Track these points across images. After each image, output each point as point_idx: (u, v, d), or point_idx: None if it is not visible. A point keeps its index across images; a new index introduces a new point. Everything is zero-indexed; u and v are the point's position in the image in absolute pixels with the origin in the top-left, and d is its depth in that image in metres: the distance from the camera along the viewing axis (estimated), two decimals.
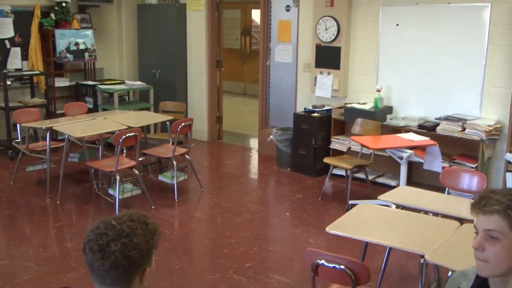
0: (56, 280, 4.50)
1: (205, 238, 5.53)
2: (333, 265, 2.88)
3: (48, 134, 6.42)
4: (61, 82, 8.81)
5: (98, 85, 8.53)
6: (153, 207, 6.15)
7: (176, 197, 6.45)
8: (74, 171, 7.37)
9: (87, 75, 9.18)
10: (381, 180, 7.00)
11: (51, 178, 6.52)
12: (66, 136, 6.37)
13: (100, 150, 6.99)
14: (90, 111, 7.85)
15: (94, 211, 6.13)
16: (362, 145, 6.18)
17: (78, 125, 6.60)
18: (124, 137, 5.85)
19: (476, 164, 6.09)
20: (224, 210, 6.17)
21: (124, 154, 6.74)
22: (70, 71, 9.11)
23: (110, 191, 6.37)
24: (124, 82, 8.90)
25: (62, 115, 7.62)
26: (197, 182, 6.86)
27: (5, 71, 8.15)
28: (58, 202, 6.26)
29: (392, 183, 6.79)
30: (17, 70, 8.35)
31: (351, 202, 6.13)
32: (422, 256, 3.21)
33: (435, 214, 4.05)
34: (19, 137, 6.85)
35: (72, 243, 5.24)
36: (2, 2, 8.15)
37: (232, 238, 5.40)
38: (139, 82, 8.98)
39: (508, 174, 5.86)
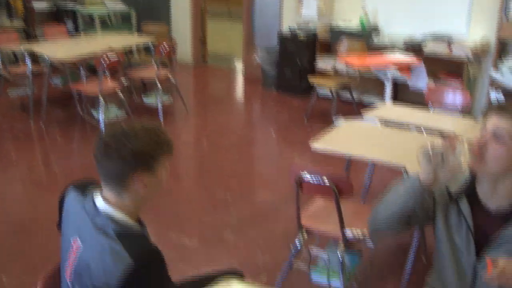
0: (45, 201, 4.53)
1: (191, 159, 5.56)
2: (317, 180, 2.90)
3: (27, 56, 6.30)
4: (38, 4, 8.55)
5: (78, 8, 8.31)
6: None
7: (161, 120, 6.44)
8: (57, 95, 7.29)
9: None
10: (366, 99, 7.01)
11: (35, 102, 6.46)
12: (48, 59, 6.26)
13: (82, 73, 6.90)
14: (71, 35, 7.68)
15: (79, 135, 6.12)
16: (348, 65, 6.14)
17: (59, 48, 6.48)
18: (107, 59, 5.76)
19: (461, 82, 6.09)
20: (210, 132, 6.18)
21: (107, 77, 6.66)
22: None
23: (95, 114, 6.33)
24: (104, 3, 8.67)
25: (42, 39, 7.46)
26: (182, 105, 6.83)
27: None
28: (42, 126, 6.23)
29: (377, 102, 6.78)
30: None
31: (336, 121, 6.13)
32: (404, 169, 3.25)
33: (419, 130, 4.08)
34: (0, 61, 6.72)
35: (58, 166, 5.25)
36: None
37: (218, 158, 5.44)
38: (120, 3, 8.75)
39: (492, 91, 5.88)
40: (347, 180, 2.92)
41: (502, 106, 1.87)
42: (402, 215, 1.96)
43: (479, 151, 1.85)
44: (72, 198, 1.95)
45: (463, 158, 1.83)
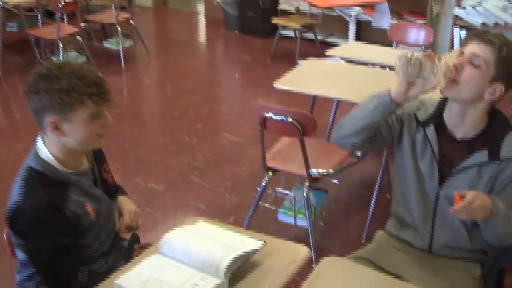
0: (7, 149, 4.45)
1: (155, 103, 5.50)
2: (280, 117, 2.89)
3: None
4: None
5: None
6: (100, 74, 6.01)
7: (123, 64, 6.32)
8: (14, 41, 7.06)
9: None
10: (330, 40, 6.97)
11: None
12: (0, 3, 6.03)
13: (39, 17, 6.67)
14: None
15: None
16: (311, 4, 6.07)
17: None
18: (63, 1, 5.57)
19: (424, 20, 6.09)
20: (172, 75, 6.10)
21: (65, 21, 6.47)
22: None
23: (54, 60, 6.17)
24: None
25: None
26: (144, 48, 6.71)
27: None
28: (0, 73, 6.05)
29: (341, 42, 6.76)
30: None
31: (300, 62, 6.12)
32: None
33: (383, 67, 4.09)
34: None
35: (20, 113, 5.13)
36: None
37: (181, 101, 5.38)
38: None
39: (455, 28, 5.90)
40: (310, 117, 2.92)
41: (483, 32, 1.88)
42: (368, 129, 1.97)
43: (454, 73, 1.86)
44: None
45: (439, 76, 1.81)
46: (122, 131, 4.73)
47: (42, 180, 1.75)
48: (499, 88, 1.86)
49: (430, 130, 1.99)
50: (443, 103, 2.01)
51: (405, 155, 2.07)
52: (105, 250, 2.01)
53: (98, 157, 2.01)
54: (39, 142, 1.82)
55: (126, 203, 2.17)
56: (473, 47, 1.86)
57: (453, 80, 1.86)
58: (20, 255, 1.86)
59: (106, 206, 1.97)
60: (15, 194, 1.74)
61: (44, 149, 1.80)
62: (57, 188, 1.77)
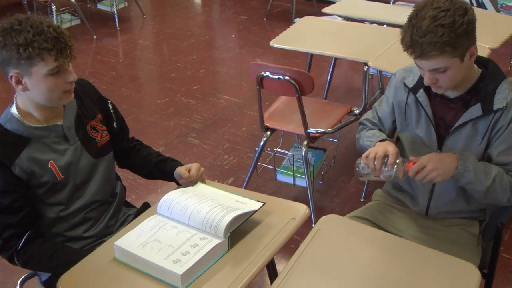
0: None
1: (151, 65, 5.45)
2: (277, 76, 2.87)
3: None
4: None
5: None
6: (95, 37, 5.96)
7: (117, 26, 6.25)
8: (7, 4, 6.95)
9: None
10: None
11: None
12: None
13: None
14: None
15: None
16: None
17: None
18: None
19: None
20: (168, 36, 6.04)
21: None
22: None
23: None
24: None
25: None
26: (138, 9, 6.62)
27: None
28: None
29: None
30: None
31: (296, 20, 6.05)
32: (366, 64, 3.24)
33: (380, 24, 4.04)
34: None
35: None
36: None
37: (178, 62, 5.34)
38: None
39: None
40: (307, 75, 2.89)
41: (416, 48, 1.72)
42: None
43: (435, 87, 1.83)
44: None
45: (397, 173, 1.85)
46: (119, 93, 4.70)
47: None
48: (472, 50, 1.76)
49: (421, 94, 1.96)
50: None
51: (400, 125, 2.08)
52: (92, 215, 1.99)
53: (88, 112, 1.97)
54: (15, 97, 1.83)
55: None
56: (426, 64, 1.76)
57: (438, 87, 1.83)
58: None
59: (83, 164, 1.93)
60: None
61: (14, 104, 1.81)
62: (10, 144, 1.77)
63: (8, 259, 1.83)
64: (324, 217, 1.87)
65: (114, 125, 2.08)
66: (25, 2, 6.20)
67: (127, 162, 2.20)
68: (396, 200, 2.19)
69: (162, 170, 2.10)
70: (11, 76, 1.71)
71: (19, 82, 1.71)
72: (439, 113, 1.95)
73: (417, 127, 2.01)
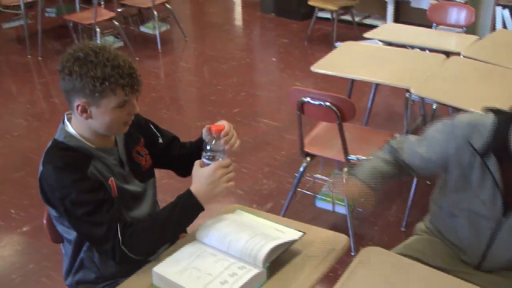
0: (46, 134, 4.51)
1: (192, 87, 5.50)
2: (318, 102, 2.86)
3: None
4: None
5: None
6: (137, 58, 6.05)
7: (159, 48, 6.33)
8: (53, 26, 7.15)
9: None
10: (368, 21, 6.85)
11: (30, 34, 6.34)
12: None
13: (76, 2, 6.73)
14: None
15: None
16: None
17: None
18: None
19: None
20: (209, 58, 6.09)
21: (102, 6, 6.51)
22: None
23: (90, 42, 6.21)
24: None
25: None
26: (180, 32, 6.71)
27: None
28: (40, 58, 6.14)
29: (379, 24, 6.63)
30: None
31: (337, 44, 6.04)
32: (408, 90, 3.21)
33: (422, 49, 4.00)
34: None
35: (59, 98, 5.20)
36: None
37: (218, 85, 5.37)
38: None
39: (497, 7, 5.73)
40: (349, 102, 2.88)
41: None
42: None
43: None
44: None
45: None
46: (159, 115, 4.75)
47: (63, 149, 1.78)
48: None
49: (491, 160, 1.76)
50: (504, 125, 1.74)
51: (454, 183, 1.89)
52: None
53: (132, 139, 1.98)
54: (66, 119, 1.84)
55: None
56: None
57: None
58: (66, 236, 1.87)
59: (133, 190, 1.93)
60: (40, 167, 1.79)
61: (70, 125, 1.82)
62: (79, 157, 1.78)
63: (112, 253, 1.73)
64: (366, 248, 1.83)
65: (160, 141, 2.10)
66: (71, 25, 6.35)
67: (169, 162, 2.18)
68: (443, 238, 2.06)
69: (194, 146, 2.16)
70: (78, 105, 1.73)
71: (84, 111, 1.73)
72: (509, 179, 1.78)
73: (479, 191, 1.82)
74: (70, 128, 1.81)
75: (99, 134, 1.82)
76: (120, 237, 1.72)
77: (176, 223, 1.79)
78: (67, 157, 1.76)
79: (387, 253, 1.89)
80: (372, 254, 1.82)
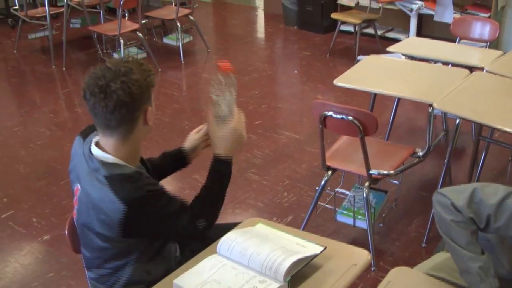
0: (69, 144, 4.53)
1: None
2: (340, 115, 2.85)
3: None
4: None
5: None
6: (159, 69, 6.10)
7: (182, 59, 6.38)
8: (77, 37, 7.24)
9: None
10: (390, 35, 6.83)
11: (54, 45, 6.42)
12: (66, 0, 6.18)
13: (101, 14, 6.82)
14: None
15: None
16: None
17: None
18: None
19: (489, 14, 5.89)
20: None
21: (126, 18, 6.59)
22: None
23: (115, 56, 6.29)
24: None
25: None
26: (203, 43, 6.75)
27: None
28: (64, 68, 6.22)
29: (402, 37, 6.62)
30: None
31: (360, 57, 6.03)
32: (430, 105, 3.18)
33: (445, 63, 3.98)
34: (17, 3, 6.66)
35: (82, 108, 5.26)
36: None
37: (240, 97, 5.34)
38: None
39: None
40: (372, 116, 2.86)
41: None
42: None
43: None
44: (77, 145, 1.95)
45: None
46: (181, 126, 4.77)
47: (128, 178, 1.78)
48: None
49: None
50: None
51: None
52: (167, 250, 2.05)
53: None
54: (95, 149, 1.83)
55: None
56: None
57: None
58: (111, 247, 1.87)
59: None
60: (112, 210, 1.75)
61: (106, 154, 1.82)
62: (143, 177, 1.82)
63: (199, 232, 1.89)
64: (395, 269, 1.80)
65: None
66: (95, 36, 6.43)
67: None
68: None
69: (171, 154, 2.29)
70: (146, 111, 1.81)
71: (148, 117, 1.83)
72: None
73: None
74: (108, 157, 1.82)
75: (136, 149, 1.88)
76: (196, 215, 1.88)
77: (225, 187, 2.02)
78: (140, 183, 1.78)
79: (417, 274, 1.85)
80: (400, 275, 1.79)
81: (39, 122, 5.04)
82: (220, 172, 2.03)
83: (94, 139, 1.88)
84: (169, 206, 1.83)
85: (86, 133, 1.95)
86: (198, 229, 1.88)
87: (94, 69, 1.78)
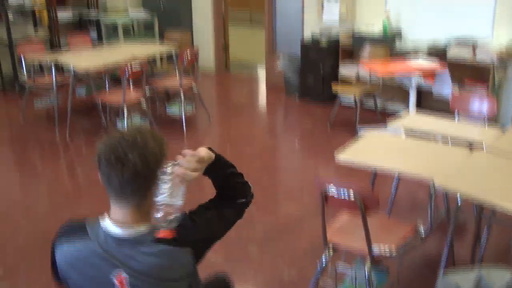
0: (70, 213, 4.56)
1: None
2: (342, 193, 2.87)
3: (53, 67, 6.37)
4: (63, 13, 8.62)
5: (102, 18, 8.38)
6: None
7: (184, 129, 6.45)
8: (82, 105, 7.36)
9: (89, 4, 8.99)
10: (390, 107, 6.94)
11: (60, 112, 6.52)
12: (72, 70, 6.31)
13: (106, 83, 6.95)
14: (94, 44, 7.71)
15: None
16: (371, 71, 6.09)
17: (83, 58, 6.53)
18: (130, 69, 5.79)
19: (486, 88, 6.00)
20: (233, 141, 6.18)
21: (131, 87, 6.70)
22: (72, 3, 8.91)
23: (119, 124, 6.37)
24: (127, 10, 8.72)
25: (66, 49, 7.54)
26: (205, 114, 6.84)
27: (6, 4, 8.01)
28: (68, 137, 6.28)
29: (402, 110, 6.74)
30: (18, 4, 8.20)
31: (360, 129, 6.10)
32: (432, 183, 3.21)
33: (445, 140, 4.02)
34: (25, 71, 6.80)
35: (83, 177, 5.29)
36: None
37: (241, 168, 5.38)
38: (142, 11, 8.78)
39: None
40: (374, 195, 2.88)
41: None
42: None
43: None
44: (71, 250, 1.86)
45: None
46: None
47: (160, 241, 1.81)
48: None
49: None
50: None
51: None
52: None
53: None
54: (119, 230, 1.81)
55: None
56: None
57: None
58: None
59: None
60: (176, 259, 1.82)
61: (132, 226, 1.82)
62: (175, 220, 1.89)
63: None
64: None
65: None
66: (100, 105, 6.53)
67: None
68: None
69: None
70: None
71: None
72: None
73: None
74: (137, 227, 1.82)
75: (150, 211, 1.90)
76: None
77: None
78: (182, 223, 1.87)
79: None
80: None
81: (40, 191, 5.06)
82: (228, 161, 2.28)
83: (103, 224, 1.84)
84: (219, 212, 2.04)
85: (72, 233, 1.88)
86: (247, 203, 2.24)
87: (108, 137, 1.80)
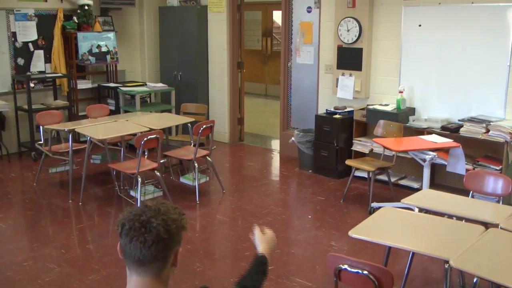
0: (78, 281, 4.52)
1: (227, 241, 5.52)
2: (356, 270, 2.85)
3: (70, 136, 6.47)
4: (83, 84, 8.87)
5: (120, 87, 8.58)
6: None
7: (197, 199, 6.46)
8: (96, 173, 7.42)
9: (109, 77, 9.24)
10: (403, 182, 6.94)
11: (74, 179, 6.57)
12: (88, 138, 6.40)
13: (122, 152, 7.03)
14: (112, 113, 7.84)
15: (116, 213, 6.16)
16: (385, 147, 6.12)
17: (100, 127, 6.63)
18: (146, 139, 5.86)
19: (500, 166, 5.99)
20: (246, 212, 6.16)
21: (146, 156, 6.76)
22: (92, 73, 9.17)
23: (132, 193, 6.40)
24: (145, 84, 8.94)
25: (84, 117, 7.68)
26: (219, 184, 6.86)
27: (28, 73, 8.26)
28: (80, 203, 6.30)
29: (415, 185, 6.73)
30: (40, 72, 8.44)
31: (373, 205, 6.08)
32: (447, 262, 3.16)
33: (459, 218, 4.00)
34: (42, 139, 6.90)
35: (94, 245, 5.27)
36: (26, 6, 8.24)
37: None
38: (160, 84, 8.99)
39: None
40: (387, 272, 2.85)
41: None
42: None
43: None
44: None
45: None
46: (192, 268, 4.73)
47: None
48: None
49: None
50: None
51: None
52: None
53: None
54: None
55: None
56: None
57: None
58: None
59: None
60: None
61: None
62: None
63: None
64: None
65: None
66: (114, 173, 6.58)
67: None
68: None
69: None
70: (177, 252, 1.88)
71: (177, 256, 1.88)
72: None
73: None
74: None
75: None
76: None
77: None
78: None
79: None
80: None
81: (49, 258, 5.02)
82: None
83: None
84: None
85: None
86: None
87: (132, 208, 1.87)
